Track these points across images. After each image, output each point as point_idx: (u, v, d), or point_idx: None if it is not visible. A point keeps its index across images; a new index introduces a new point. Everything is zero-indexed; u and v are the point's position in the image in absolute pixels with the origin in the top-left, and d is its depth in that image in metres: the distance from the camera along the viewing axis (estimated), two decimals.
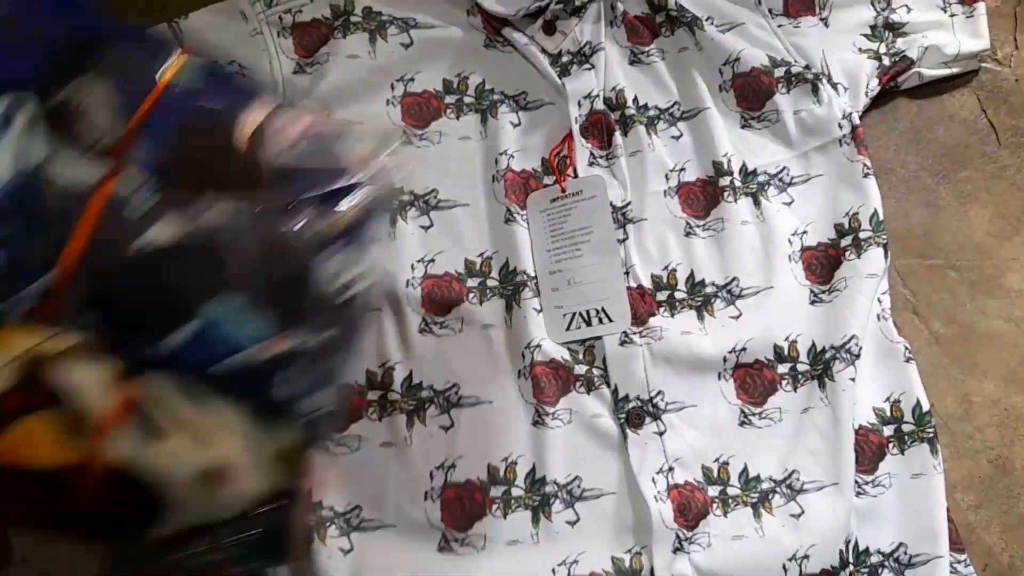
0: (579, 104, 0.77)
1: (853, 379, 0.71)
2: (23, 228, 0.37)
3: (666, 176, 0.77)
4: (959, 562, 0.69)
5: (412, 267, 0.73)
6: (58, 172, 0.38)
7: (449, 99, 0.77)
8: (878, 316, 0.75)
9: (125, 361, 0.38)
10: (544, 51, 0.78)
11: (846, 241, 0.76)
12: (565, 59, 0.78)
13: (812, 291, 0.75)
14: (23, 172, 0.37)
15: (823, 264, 0.76)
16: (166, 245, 0.38)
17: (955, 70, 0.85)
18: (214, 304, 0.38)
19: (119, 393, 0.38)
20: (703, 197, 0.78)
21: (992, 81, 0.87)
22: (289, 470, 0.43)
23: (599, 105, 0.76)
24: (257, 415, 0.41)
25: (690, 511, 0.68)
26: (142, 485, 0.39)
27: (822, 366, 0.72)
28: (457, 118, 0.77)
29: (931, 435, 0.72)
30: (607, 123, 0.77)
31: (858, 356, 0.71)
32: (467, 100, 0.77)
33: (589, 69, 0.77)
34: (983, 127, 0.86)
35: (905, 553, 0.69)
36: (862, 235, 0.75)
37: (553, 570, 0.66)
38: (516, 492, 0.68)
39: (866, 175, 0.78)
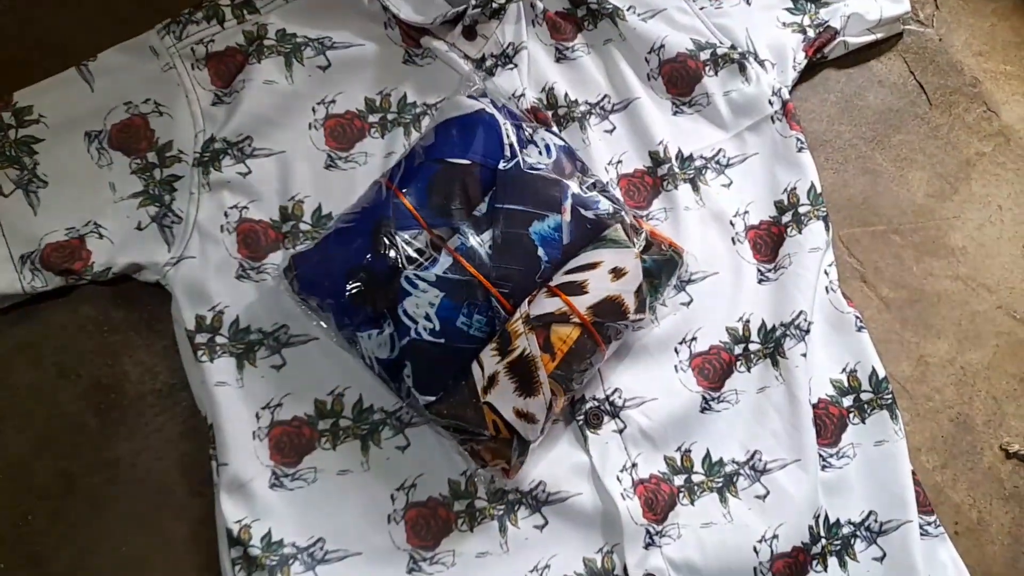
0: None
1: (804, 355, 0.70)
2: None
3: (604, 169, 0.77)
4: (929, 523, 0.69)
5: None
6: None
7: (373, 118, 0.76)
8: (826, 288, 0.75)
9: None
10: (466, 56, 0.77)
11: (787, 217, 0.76)
12: (488, 63, 0.77)
13: (759, 270, 0.75)
14: None
15: (767, 242, 0.76)
16: None
17: (879, 35, 0.86)
18: None
19: None
20: (643, 188, 0.77)
21: (917, 43, 0.88)
22: None
23: (525, 104, 0.75)
24: None
25: (658, 504, 0.67)
26: None
27: (773, 344, 0.72)
28: (382, 136, 0.75)
29: (889, 401, 0.72)
30: (543, 121, 0.76)
31: (807, 331, 0.71)
32: (390, 116, 0.76)
33: (512, 69, 0.76)
34: (912, 89, 0.87)
35: (875, 521, 0.69)
36: (801, 210, 0.75)
37: None
38: (480, 504, 0.67)
39: (800, 149, 0.77)
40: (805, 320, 0.71)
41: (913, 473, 0.70)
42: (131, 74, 0.74)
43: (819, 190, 0.76)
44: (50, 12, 0.80)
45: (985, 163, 0.84)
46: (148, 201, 0.72)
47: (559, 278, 0.65)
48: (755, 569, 0.65)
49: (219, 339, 0.69)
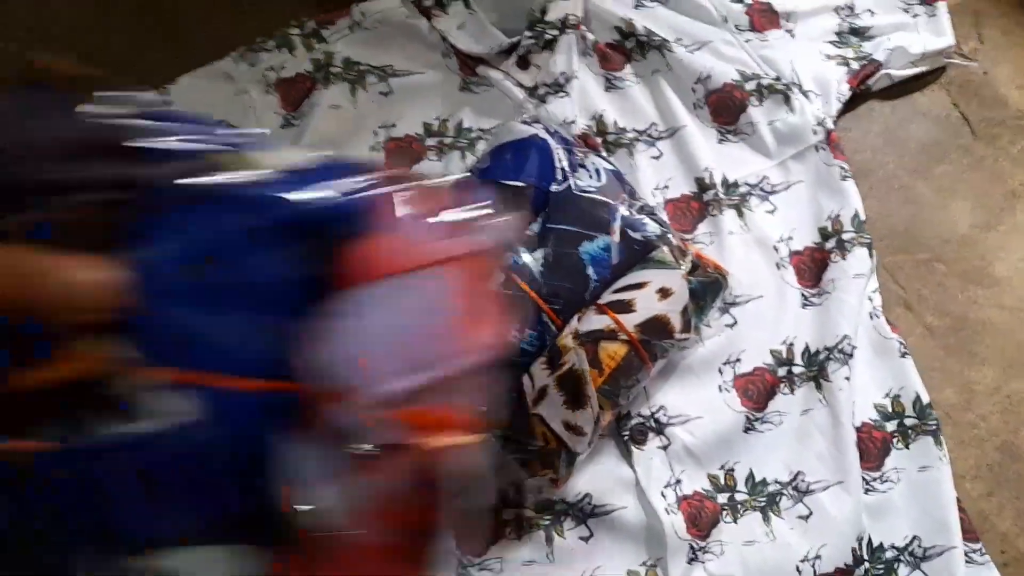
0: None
1: (848, 378, 0.71)
2: None
3: (651, 194, 0.79)
4: (974, 551, 0.69)
5: None
6: None
7: (430, 141, 0.80)
8: (870, 314, 0.76)
9: None
10: (520, 85, 0.81)
11: (830, 244, 0.78)
12: (541, 91, 0.81)
13: (803, 295, 0.77)
14: None
15: (811, 268, 0.78)
16: None
17: (923, 68, 0.88)
18: None
19: None
20: (690, 212, 0.79)
21: (961, 76, 0.89)
22: None
23: (575, 131, 0.78)
24: None
25: (701, 521, 0.68)
26: None
27: (817, 368, 0.73)
28: (439, 159, 0.79)
29: (934, 427, 0.72)
30: (593, 147, 0.79)
31: (851, 355, 0.72)
32: (447, 140, 0.80)
33: (564, 97, 0.80)
34: (956, 121, 0.88)
35: (919, 546, 0.69)
36: (845, 236, 0.77)
37: None
38: (527, 513, 0.68)
39: (844, 178, 0.79)
40: (849, 344, 0.72)
41: (958, 500, 0.70)
42: (206, 97, 0.79)
43: (863, 218, 0.78)
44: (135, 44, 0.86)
45: None
46: None
47: (607, 296, 0.67)
48: None
49: None
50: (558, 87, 0.81)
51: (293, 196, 0.40)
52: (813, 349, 0.74)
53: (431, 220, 0.44)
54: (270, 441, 0.38)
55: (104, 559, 0.38)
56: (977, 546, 0.70)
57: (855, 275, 0.76)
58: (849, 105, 0.86)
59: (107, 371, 0.36)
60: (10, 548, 0.37)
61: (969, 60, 0.90)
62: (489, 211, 0.46)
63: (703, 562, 0.67)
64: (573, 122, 0.79)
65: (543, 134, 0.73)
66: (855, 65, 0.85)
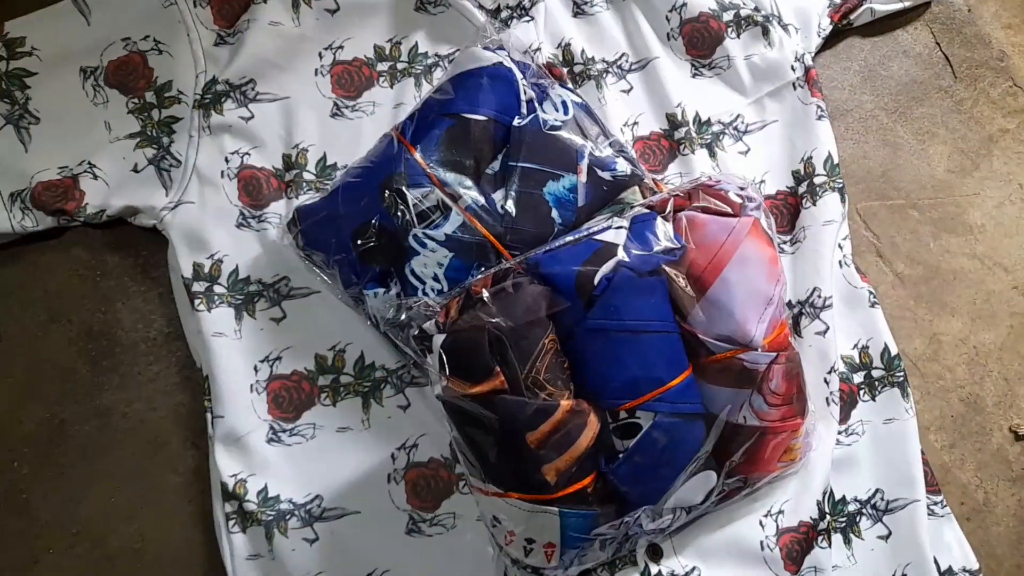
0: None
1: (819, 333, 0.69)
2: None
3: (620, 131, 0.74)
4: (935, 503, 0.68)
5: None
6: None
7: (382, 66, 0.73)
8: (840, 262, 0.73)
9: None
10: (481, 6, 0.74)
11: (803, 188, 0.74)
12: (504, 14, 0.74)
13: (778, 244, 0.73)
14: None
15: (784, 213, 0.74)
16: None
17: (907, 3, 0.83)
18: None
19: None
20: (659, 151, 0.75)
21: (945, 13, 0.85)
22: None
23: (540, 59, 0.72)
24: None
25: None
26: None
27: (791, 322, 0.70)
28: (391, 86, 0.72)
29: (901, 379, 0.70)
30: (558, 77, 0.73)
31: (822, 308, 0.69)
32: (400, 66, 0.73)
33: (528, 21, 0.73)
34: (938, 61, 0.84)
35: (882, 499, 0.68)
36: (816, 180, 0.73)
37: None
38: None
39: (819, 117, 0.75)
40: (819, 297, 0.69)
41: (922, 452, 0.69)
42: (130, 9, 0.70)
43: (836, 160, 0.74)
44: None
45: (1008, 140, 0.82)
46: (145, 143, 0.69)
47: None
48: (761, 543, 0.64)
49: (217, 288, 0.67)
50: (522, 10, 0.74)
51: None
52: (786, 300, 0.71)
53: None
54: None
55: None
56: (939, 498, 0.69)
57: (825, 222, 0.72)
58: (829, 42, 0.82)
59: None
60: None
61: None
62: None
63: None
64: (538, 49, 0.73)
65: (508, 62, 0.68)
66: None
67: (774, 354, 0.59)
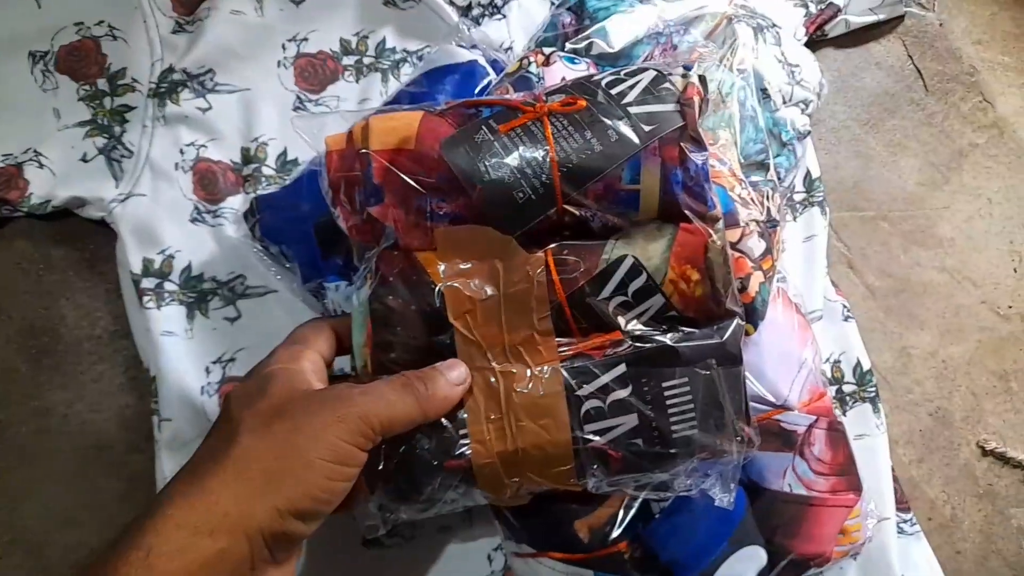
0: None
1: None
2: None
3: None
4: (905, 522, 0.67)
5: None
6: None
7: (347, 60, 0.70)
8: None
9: None
10: (452, 3, 0.72)
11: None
12: (476, 11, 0.72)
13: None
14: None
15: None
16: None
17: (881, 16, 0.83)
18: None
19: None
20: None
21: (917, 27, 0.85)
22: None
23: (512, 57, 0.70)
24: None
25: None
26: None
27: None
28: (356, 80, 0.70)
29: (873, 394, 0.69)
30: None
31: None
32: (367, 60, 0.71)
33: (501, 19, 0.72)
34: (910, 73, 0.84)
35: None
36: (796, 197, 0.72)
37: None
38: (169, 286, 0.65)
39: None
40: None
41: (892, 469, 0.68)
42: None
43: (815, 175, 0.73)
44: None
45: (977, 155, 0.82)
46: (96, 131, 0.66)
47: None
48: None
49: (168, 285, 0.64)
50: (494, 8, 0.72)
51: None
52: None
53: None
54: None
55: None
56: (908, 516, 0.68)
57: (806, 238, 0.71)
58: None
59: None
60: None
61: (926, 9, 0.85)
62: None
63: None
64: (509, 48, 0.71)
65: (482, 61, 0.66)
66: (813, 8, 0.79)
67: (813, 417, 0.58)
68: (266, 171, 0.67)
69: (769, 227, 0.63)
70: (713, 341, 0.48)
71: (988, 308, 0.78)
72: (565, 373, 0.47)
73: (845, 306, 0.71)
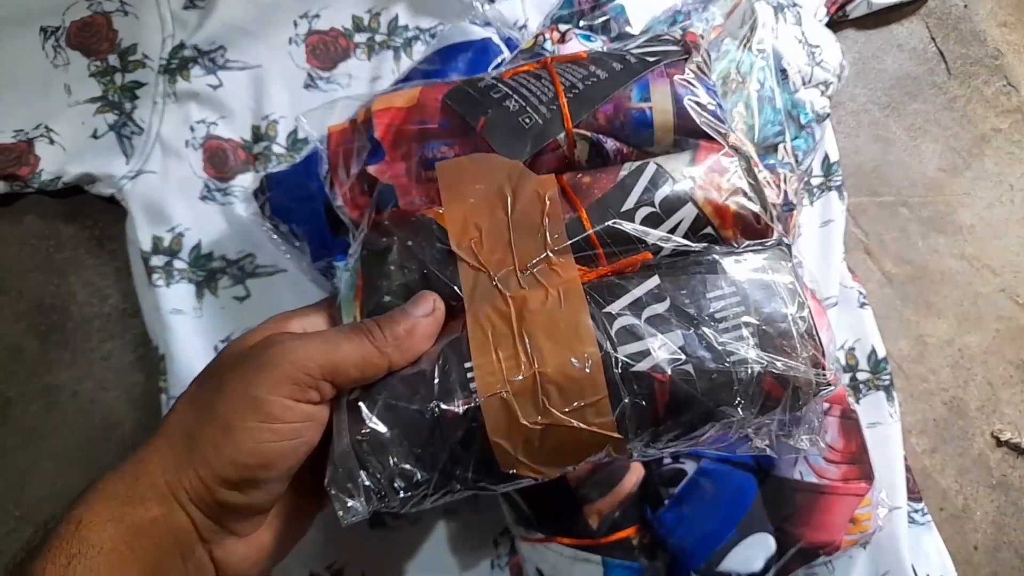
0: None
1: None
2: None
3: None
4: (916, 511, 0.67)
5: None
6: None
7: (359, 38, 0.69)
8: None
9: None
10: None
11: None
12: None
13: None
14: None
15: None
16: None
17: None
18: None
19: None
20: None
21: (941, 8, 0.83)
22: None
23: (526, 35, 0.69)
24: None
25: None
26: None
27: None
28: (368, 58, 0.69)
29: (887, 383, 0.68)
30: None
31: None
32: (379, 38, 0.70)
33: None
34: (932, 56, 0.82)
35: None
36: (814, 181, 0.71)
37: None
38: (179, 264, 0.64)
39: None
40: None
41: (905, 459, 0.67)
42: None
43: (833, 159, 0.72)
44: None
45: (1000, 140, 0.80)
46: (106, 108, 0.66)
47: None
48: None
49: (177, 263, 0.63)
50: None
51: None
52: None
53: None
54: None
55: None
56: (920, 506, 0.67)
57: (823, 223, 0.70)
58: None
59: None
60: None
61: None
62: None
63: None
64: (524, 26, 0.70)
65: (496, 39, 0.65)
66: None
67: (826, 404, 0.57)
68: (276, 149, 0.66)
69: (785, 210, 0.62)
70: (763, 255, 0.42)
71: (1007, 297, 0.76)
72: (588, 290, 0.41)
73: (861, 293, 0.70)
